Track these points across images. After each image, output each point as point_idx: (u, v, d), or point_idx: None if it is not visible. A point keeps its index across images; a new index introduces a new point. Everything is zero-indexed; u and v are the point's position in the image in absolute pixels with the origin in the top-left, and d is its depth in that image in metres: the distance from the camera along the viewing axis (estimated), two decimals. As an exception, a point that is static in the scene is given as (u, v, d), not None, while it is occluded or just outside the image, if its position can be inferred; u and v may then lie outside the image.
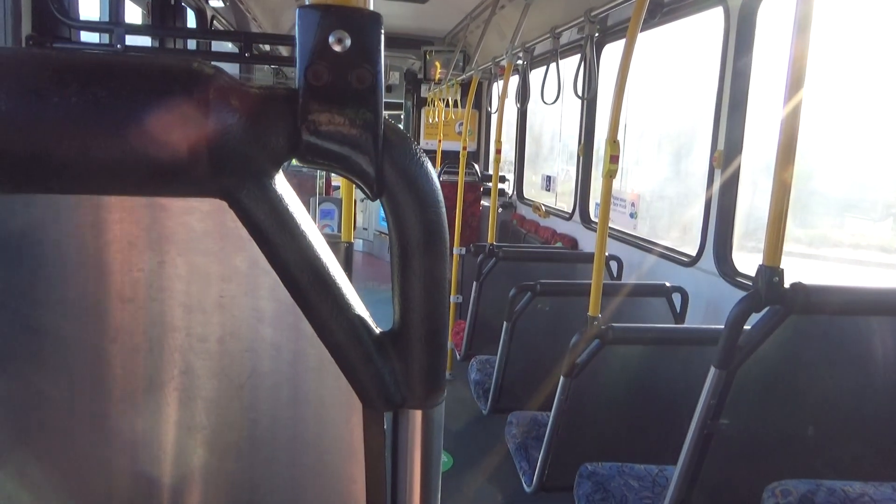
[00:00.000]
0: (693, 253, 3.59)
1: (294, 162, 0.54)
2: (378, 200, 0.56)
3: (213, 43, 4.69)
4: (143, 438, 0.57)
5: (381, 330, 0.59)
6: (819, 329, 1.76)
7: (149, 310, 0.54)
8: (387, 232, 0.56)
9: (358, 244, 9.94)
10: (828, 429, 1.84)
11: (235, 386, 0.57)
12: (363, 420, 0.59)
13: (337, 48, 0.50)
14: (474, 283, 4.09)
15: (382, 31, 0.52)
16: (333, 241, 2.32)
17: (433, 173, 0.55)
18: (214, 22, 4.80)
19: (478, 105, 8.29)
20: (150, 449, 0.58)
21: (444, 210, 0.56)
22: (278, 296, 0.55)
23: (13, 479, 0.57)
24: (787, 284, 1.66)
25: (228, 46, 4.91)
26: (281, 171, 0.53)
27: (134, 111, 0.46)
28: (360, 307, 0.57)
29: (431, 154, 7.58)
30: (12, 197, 0.52)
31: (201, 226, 0.53)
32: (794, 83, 1.61)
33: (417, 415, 0.60)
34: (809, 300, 1.64)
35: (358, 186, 0.55)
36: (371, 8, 0.53)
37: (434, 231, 0.55)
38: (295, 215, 0.53)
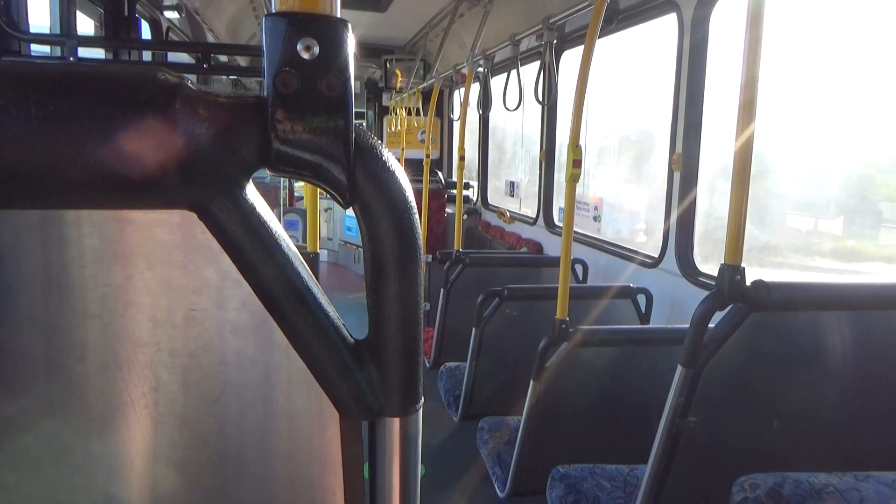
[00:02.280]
0: (656, 255, 3.65)
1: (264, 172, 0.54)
2: (349, 208, 0.55)
3: (169, 55, 4.61)
4: (114, 458, 0.56)
5: (355, 339, 0.59)
6: (781, 325, 1.80)
7: (117, 326, 0.53)
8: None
9: (323, 255, 9.86)
10: (792, 422, 1.88)
11: (209, 401, 0.56)
12: (340, 430, 0.58)
13: (305, 56, 0.50)
14: (441, 290, 4.09)
15: (351, 38, 0.52)
16: (300, 252, 2.29)
17: (405, 180, 0.55)
18: (170, 33, 4.72)
19: (440, 113, 8.32)
20: (122, 468, 0.56)
21: (416, 216, 0.56)
22: (251, 307, 0.54)
23: None
24: (748, 282, 1.70)
25: (185, 58, 4.83)
26: (251, 180, 0.53)
27: (98, 123, 0.45)
28: (334, 316, 0.56)
29: None
30: None
31: (170, 238, 0.52)
32: (748, 86, 1.65)
33: (395, 423, 0.59)
34: (771, 297, 1.68)
35: (329, 194, 0.54)
36: (339, 15, 0.52)
37: (407, 237, 0.55)
38: (267, 225, 0.52)
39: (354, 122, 0.53)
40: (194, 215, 0.50)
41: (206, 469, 0.58)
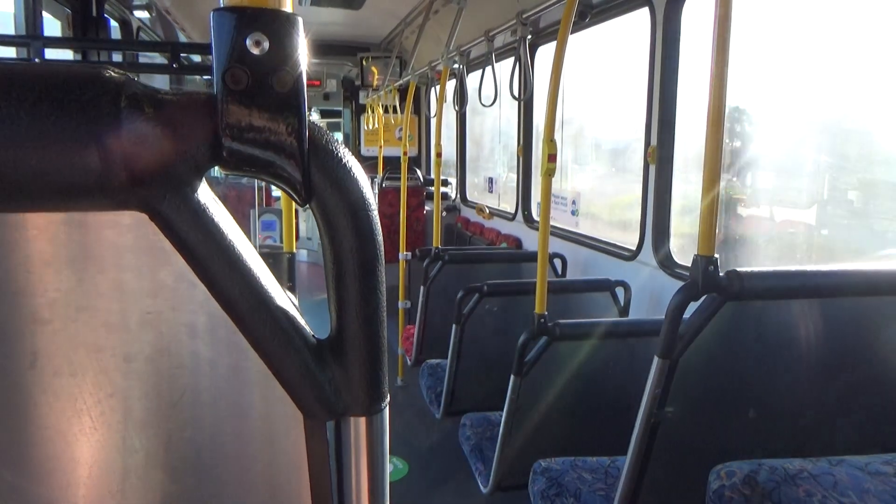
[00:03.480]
0: (633, 248, 3.68)
1: (220, 171, 0.52)
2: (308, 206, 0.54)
3: (141, 55, 4.55)
4: (71, 466, 0.54)
5: (318, 338, 0.58)
6: (756, 314, 1.82)
7: (69, 331, 0.51)
8: None
9: (302, 255, 9.79)
10: (768, 410, 1.91)
11: (168, 405, 0.55)
12: (304, 431, 0.57)
13: (255, 51, 0.49)
14: (421, 287, 4.09)
15: (302, 33, 0.51)
16: (275, 252, 2.27)
17: (362, 176, 0.54)
18: (141, 33, 4.65)
19: (417, 110, 8.30)
20: (78, 477, 0.55)
21: (375, 213, 0.55)
22: (208, 309, 0.53)
23: None
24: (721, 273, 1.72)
25: (157, 59, 4.77)
26: (205, 180, 0.52)
27: (39, 122, 0.43)
28: (294, 316, 0.56)
29: (373, 161, 7.54)
30: None
31: (122, 240, 0.51)
32: (717, 76, 1.66)
33: (361, 422, 0.59)
34: (744, 286, 1.69)
35: (286, 192, 0.53)
36: (289, 10, 0.51)
37: (366, 234, 0.54)
38: (221, 225, 0.51)
39: (308, 118, 0.52)
40: (146, 216, 0.49)
41: (167, 476, 0.56)
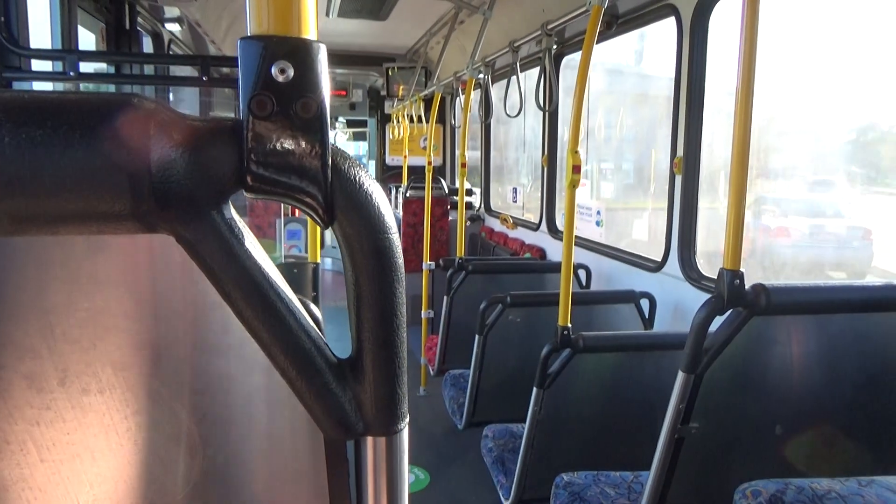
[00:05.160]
0: (659, 259, 3.64)
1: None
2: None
3: (172, 68, 4.64)
4: (97, 481, 0.56)
5: (339, 358, 0.58)
6: (782, 329, 1.79)
7: (98, 350, 0.53)
8: None
9: (327, 263, 9.86)
10: (795, 427, 1.87)
11: (193, 422, 0.56)
12: (325, 451, 0.58)
13: (280, 78, 0.50)
14: (445, 297, 4.09)
15: (325, 61, 0.52)
16: (300, 262, 2.29)
17: (384, 200, 0.55)
18: (172, 46, 4.75)
19: (441, 120, 8.33)
20: (105, 492, 0.56)
21: (396, 236, 0.56)
22: (231, 329, 0.54)
23: None
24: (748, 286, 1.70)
25: (188, 71, 4.87)
26: (230, 202, 0.53)
27: (73, 150, 0.45)
28: (316, 336, 0.56)
29: (397, 170, 7.57)
30: None
31: (149, 261, 0.52)
32: (745, 88, 1.65)
33: (381, 442, 0.59)
34: (771, 301, 1.67)
35: (308, 215, 0.54)
36: (313, 38, 0.52)
37: (387, 257, 0.55)
38: (245, 248, 0.52)
39: (331, 142, 0.53)
40: (172, 238, 0.50)
41: (190, 492, 0.58)
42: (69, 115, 0.45)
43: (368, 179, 0.54)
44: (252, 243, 0.53)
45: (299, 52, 0.51)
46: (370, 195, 0.54)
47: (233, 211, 0.53)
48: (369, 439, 0.59)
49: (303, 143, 0.51)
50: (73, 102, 0.46)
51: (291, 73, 0.50)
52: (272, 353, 0.54)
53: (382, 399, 0.57)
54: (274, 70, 0.50)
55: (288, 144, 0.51)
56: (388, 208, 0.55)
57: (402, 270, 0.56)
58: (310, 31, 0.52)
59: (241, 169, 0.50)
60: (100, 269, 0.52)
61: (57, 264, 0.52)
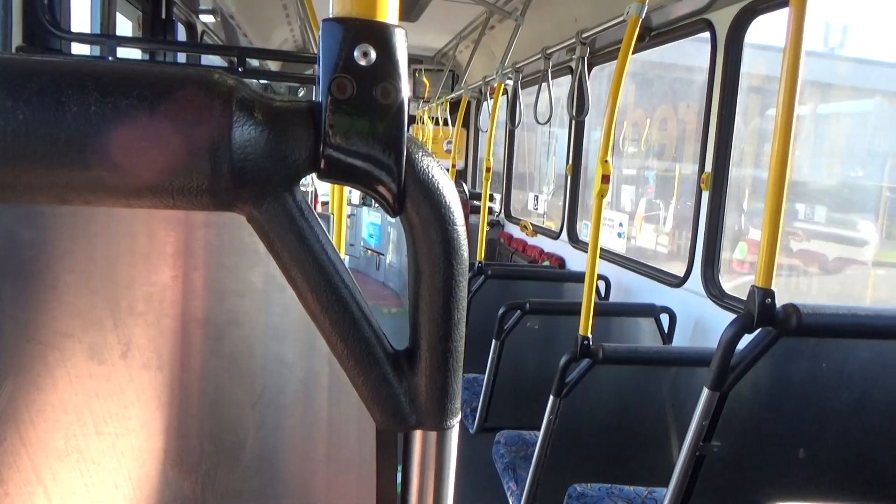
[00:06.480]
0: (681, 274, 3.61)
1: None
2: (396, 217, 0.55)
3: (203, 58, 4.69)
4: (149, 457, 0.56)
5: (395, 349, 0.58)
6: (811, 350, 1.77)
7: (160, 325, 0.53)
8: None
9: (345, 261, 9.88)
10: (819, 450, 1.84)
11: (246, 404, 0.56)
12: (376, 441, 0.58)
13: (362, 62, 0.50)
14: None
15: (405, 46, 0.52)
16: None
17: (453, 192, 0.55)
18: (204, 37, 4.80)
19: (466, 124, 8.34)
20: (157, 468, 0.56)
21: (463, 229, 0.55)
22: (293, 313, 0.54)
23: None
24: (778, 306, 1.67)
25: (216, 61, 4.91)
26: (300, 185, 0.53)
27: (157, 122, 0.45)
28: (376, 326, 0.56)
29: None
30: (23, 207, 0.50)
31: (217, 240, 0.52)
32: (786, 106, 1.63)
33: (432, 436, 0.59)
34: (801, 322, 1.65)
35: (378, 202, 0.54)
36: (395, 23, 0.52)
37: (455, 249, 0.54)
38: (314, 231, 0.52)
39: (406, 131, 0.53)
40: (242, 218, 0.50)
41: (241, 473, 0.57)
42: (154, 86, 0.45)
43: (440, 171, 0.54)
44: (319, 227, 0.53)
45: (383, 36, 0.50)
46: (441, 186, 0.53)
47: (303, 194, 0.52)
48: (420, 433, 0.58)
49: (380, 130, 0.50)
50: (157, 74, 0.46)
51: (373, 56, 0.50)
52: (332, 340, 0.54)
53: (438, 393, 0.57)
54: (356, 53, 0.49)
55: (365, 129, 0.50)
56: (458, 201, 0.55)
57: (467, 264, 0.56)
58: (392, 16, 0.52)
59: (317, 152, 0.50)
60: (168, 245, 0.52)
61: (126, 238, 0.52)
